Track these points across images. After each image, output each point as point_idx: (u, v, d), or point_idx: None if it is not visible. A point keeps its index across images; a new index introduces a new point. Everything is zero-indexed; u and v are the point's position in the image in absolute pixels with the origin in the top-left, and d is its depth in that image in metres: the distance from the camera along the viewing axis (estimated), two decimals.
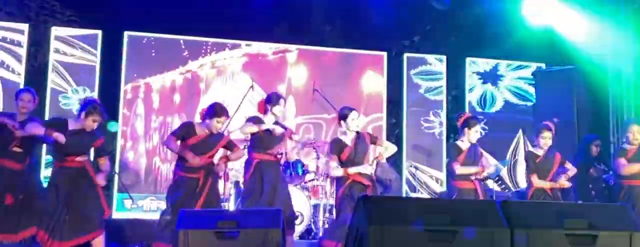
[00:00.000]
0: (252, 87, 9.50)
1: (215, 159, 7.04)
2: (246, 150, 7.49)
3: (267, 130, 7.28)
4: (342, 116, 7.12)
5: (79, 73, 10.12)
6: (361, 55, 11.43)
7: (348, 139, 7.07)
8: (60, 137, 6.37)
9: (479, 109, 11.46)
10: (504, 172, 10.69)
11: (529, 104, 11.46)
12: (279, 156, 7.63)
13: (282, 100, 7.51)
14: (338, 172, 6.95)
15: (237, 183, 8.85)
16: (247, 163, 7.40)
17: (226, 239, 5.25)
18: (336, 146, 7.04)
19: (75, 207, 6.48)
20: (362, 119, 8.15)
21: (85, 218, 6.49)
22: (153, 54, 10.50)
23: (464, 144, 7.41)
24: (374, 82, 11.31)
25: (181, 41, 10.65)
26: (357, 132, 7.12)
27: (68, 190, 6.50)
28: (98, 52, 10.22)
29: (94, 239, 6.52)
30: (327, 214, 8.90)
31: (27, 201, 6.80)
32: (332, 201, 8.78)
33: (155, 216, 7.56)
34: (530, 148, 8.18)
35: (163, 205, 7.44)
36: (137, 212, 9.82)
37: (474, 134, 7.43)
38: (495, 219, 4.24)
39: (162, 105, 10.51)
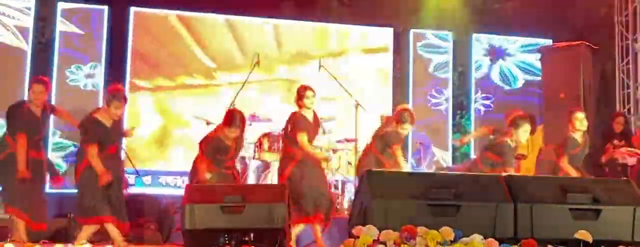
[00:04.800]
0: (257, 62, 9.47)
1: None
2: None
3: None
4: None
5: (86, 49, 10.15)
6: (367, 31, 11.40)
7: None
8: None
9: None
10: None
11: (537, 78, 11.44)
12: None
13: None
14: None
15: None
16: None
17: (232, 214, 5.32)
18: None
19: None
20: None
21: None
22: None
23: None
24: (380, 59, 11.32)
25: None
26: None
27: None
28: (105, 28, 10.23)
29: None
30: (333, 189, 8.89)
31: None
32: (337, 177, 8.89)
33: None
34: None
35: None
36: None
37: (522, 134, 7.27)
38: (499, 194, 4.26)
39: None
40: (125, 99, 6.77)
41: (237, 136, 6.96)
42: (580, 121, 7.46)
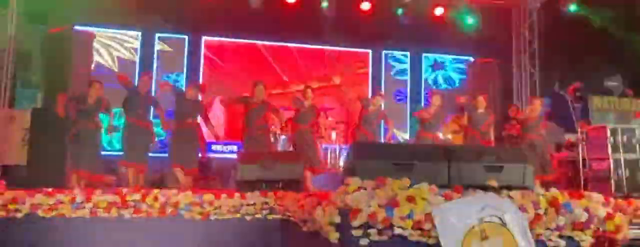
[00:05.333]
0: None
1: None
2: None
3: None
4: None
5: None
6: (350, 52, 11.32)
7: None
8: None
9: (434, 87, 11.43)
10: None
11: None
12: None
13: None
14: None
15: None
16: None
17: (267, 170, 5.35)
18: None
19: None
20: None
21: None
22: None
23: None
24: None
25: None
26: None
27: None
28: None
29: None
30: (332, 154, 8.94)
31: None
32: (336, 146, 8.88)
33: None
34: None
35: None
36: None
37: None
38: (440, 156, 4.28)
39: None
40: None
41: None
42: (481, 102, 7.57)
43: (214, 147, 9.43)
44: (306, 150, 6.97)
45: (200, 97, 6.86)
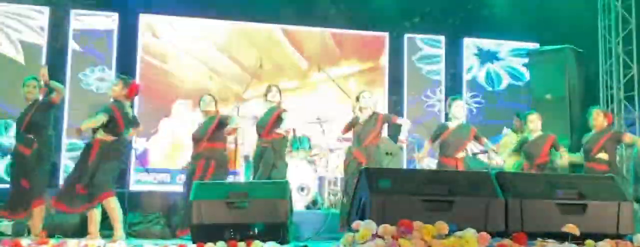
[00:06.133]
0: (260, 65, 9.49)
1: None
2: None
3: None
4: None
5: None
6: (364, 36, 11.41)
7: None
8: None
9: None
10: None
11: (521, 83, 11.48)
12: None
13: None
14: None
15: (246, 158, 8.87)
16: None
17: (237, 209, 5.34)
18: None
19: None
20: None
21: None
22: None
23: None
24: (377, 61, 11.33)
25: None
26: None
27: None
28: (115, 32, 10.25)
29: None
30: (331, 186, 8.91)
31: None
32: (335, 174, 8.85)
33: None
34: None
35: None
36: None
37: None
38: (490, 190, 4.25)
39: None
40: None
41: None
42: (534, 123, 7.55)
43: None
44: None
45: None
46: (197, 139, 7.15)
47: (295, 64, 10.91)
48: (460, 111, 7.39)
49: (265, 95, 7.69)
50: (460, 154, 7.28)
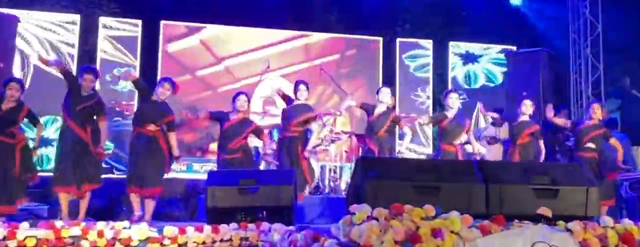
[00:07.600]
0: (268, 67, 9.45)
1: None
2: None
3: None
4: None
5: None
6: (360, 40, 11.38)
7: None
8: None
9: (465, 86, 11.45)
10: None
11: (492, 85, 11.49)
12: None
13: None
14: None
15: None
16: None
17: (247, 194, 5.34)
18: None
19: None
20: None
21: None
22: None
23: None
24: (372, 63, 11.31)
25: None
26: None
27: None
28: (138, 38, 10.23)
29: None
30: (332, 174, 8.89)
31: None
32: (336, 163, 8.83)
33: None
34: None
35: None
36: None
37: None
38: (473, 177, 4.24)
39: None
40: None
41: None
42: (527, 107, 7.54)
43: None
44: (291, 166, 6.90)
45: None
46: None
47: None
48: (455, 102, 7.37)
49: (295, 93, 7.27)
50: (459, 141, 7.29)
